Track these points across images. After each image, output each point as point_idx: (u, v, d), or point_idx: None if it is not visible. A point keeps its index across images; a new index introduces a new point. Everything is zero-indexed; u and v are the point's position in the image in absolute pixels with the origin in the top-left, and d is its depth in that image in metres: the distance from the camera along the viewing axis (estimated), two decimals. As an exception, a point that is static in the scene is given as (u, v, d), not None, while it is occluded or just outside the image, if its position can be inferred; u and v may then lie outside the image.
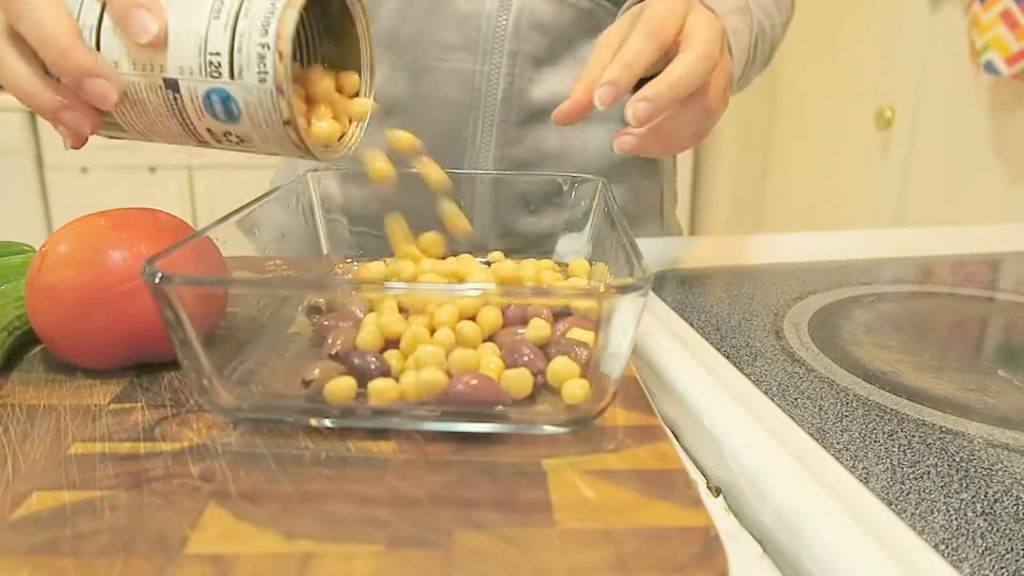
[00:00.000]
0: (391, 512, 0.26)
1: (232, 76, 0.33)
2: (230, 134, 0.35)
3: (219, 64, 0.33)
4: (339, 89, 0.38)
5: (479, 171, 0.59)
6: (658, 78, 0.38)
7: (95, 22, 0.33)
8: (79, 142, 0.36)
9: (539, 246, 0.58)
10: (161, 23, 0.32)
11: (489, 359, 0.31)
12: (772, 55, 0.63)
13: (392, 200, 0.56)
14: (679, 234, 0.73)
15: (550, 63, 0.58)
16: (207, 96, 0.34)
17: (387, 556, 0.24)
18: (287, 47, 0.33)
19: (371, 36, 0.39)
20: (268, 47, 0.33)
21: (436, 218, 0.43)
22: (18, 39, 0.33)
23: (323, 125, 0.36)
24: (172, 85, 0.34)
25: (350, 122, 0.38)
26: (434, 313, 0.33)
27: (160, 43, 0.33)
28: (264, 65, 0.33)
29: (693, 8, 0.41)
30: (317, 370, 0.31)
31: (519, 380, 0.31)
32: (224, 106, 0.34)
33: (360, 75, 0.39)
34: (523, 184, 0.58)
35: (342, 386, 0.30)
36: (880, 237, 0.68)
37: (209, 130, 0.35)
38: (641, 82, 0.39)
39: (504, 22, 0.56)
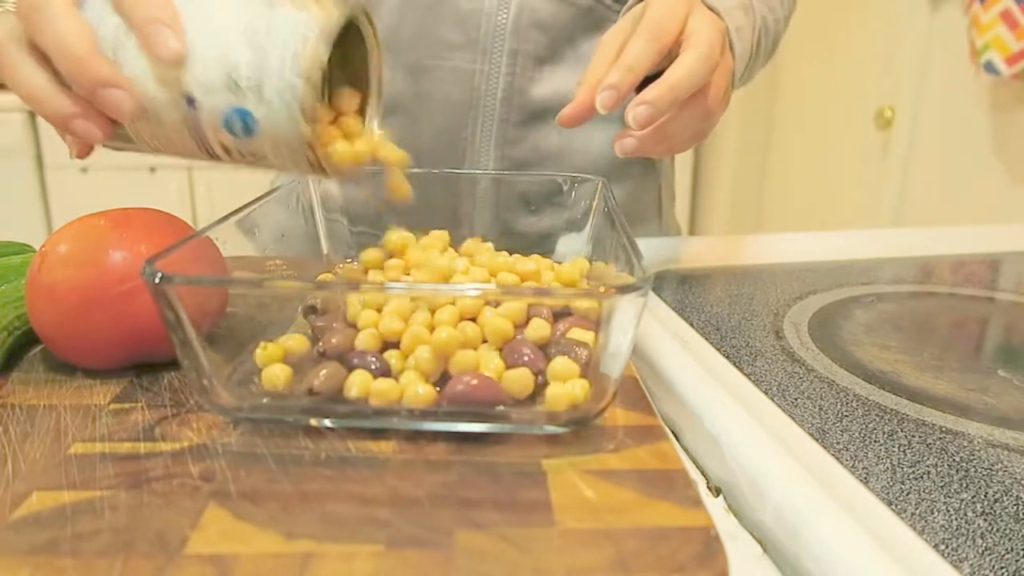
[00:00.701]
0: (391, 512, 0.26)
1: (256, 97, 0.33)
2: (245, 151, 0.35)
3: (243, 84, 0.33)
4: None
5: (479, 171, 0.59)
6: (658, 81, 0.38)
7: (114, 35, 0.33)
8: (86, 152, 0.35)
9: (539, 246, 0.58)
10: (182, 40, 0.32)
11: (490, 359, 0.31)
12: (775, 49, 0.63)
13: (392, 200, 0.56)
14: (678, 234, 0.73)
15: (551, 62, 0.58)
16: (227, 114, 0.33)
17: (387, 556, 0.24)
18: (317, 76, 0.33)
19: (381, 64, 0.39)
20: (298, 74, 0.32)
21: (438, 217, 0.44)
22: (35, 49, 0.33)
23: (343, 147, 0.35)
24: (191, 101, 0.33)
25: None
26: (434, 312, 0.33)
27: (181, 61, 0.32)
28: (293, 92, 0.33)
29: (695, 9, 0.41)
30: (324, 371, 0.31)
31: (520, 380, 0.31)
32: (244, 124, 0.33)
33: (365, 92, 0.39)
34: (523, 184, 0.58)
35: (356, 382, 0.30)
36: (880, 237, 0.68)
37: (223, 145, 0.34)
38: (646, 80, 0.39)
39: (504, 20, 0.56)
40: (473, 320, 0.33)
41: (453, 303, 0.34)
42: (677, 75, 0.38)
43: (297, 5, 0.33)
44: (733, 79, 0.46)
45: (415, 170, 0.48)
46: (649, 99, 0.38)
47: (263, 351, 0.32)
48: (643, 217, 0.68)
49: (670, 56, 0.40)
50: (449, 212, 0.52)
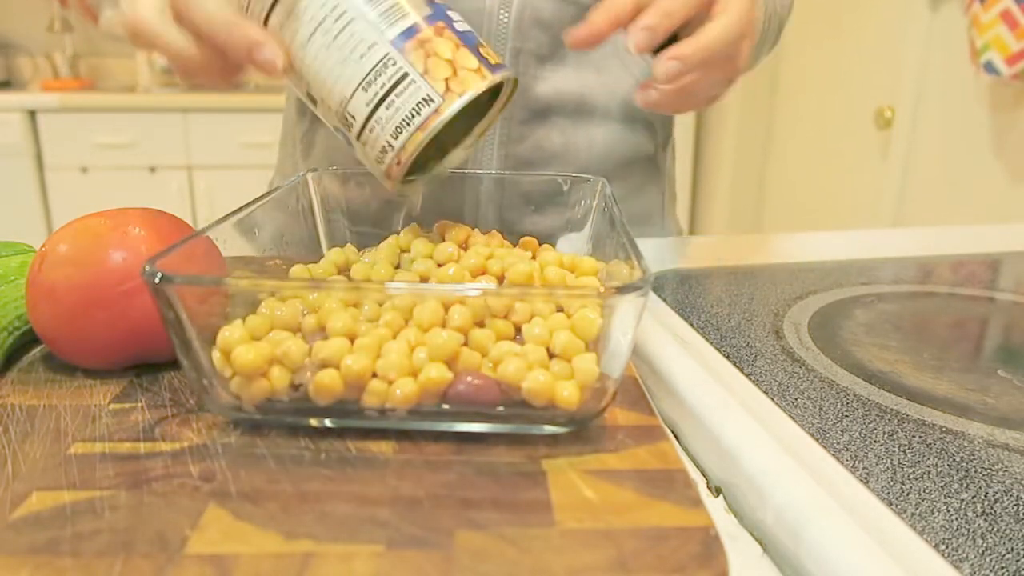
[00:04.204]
0: (391, 512, 0.26)
1: (356, 140, 0.37)
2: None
3: (350, 125, 0.37)
4: None
5: (483, 171, 0.59)
6: (692, 38, 0.39)
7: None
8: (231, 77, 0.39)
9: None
10: (284, 56, 0.36)
11: (510, 360, 0.31)
12: (779, 37, 0.63)
13: (393, 200, 0.56)
14: (679, 234, 0.73)
15: (553, 60, 0.58)
16: (335, 126, 0.38)
17: (387, 556, 0.24)
18: (408, 159, 0.37)
19: (497, 116, 0.43)
20: (392, 148, 0.37)
21: (444, 216, 0.44)
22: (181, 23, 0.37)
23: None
24: (311, 99, 0.38)
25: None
26: (446, 311, 0.33)
27: (289, 71, 0.37)
28: (383, 159, 0.37)
29: None
30: (308, 373, 0.31)
31: (543, 384, 0.30)
32: (347, 140, 0.38)
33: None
34: (527, 183, 0.58)
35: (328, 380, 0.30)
36: (880, 237, 0.68)
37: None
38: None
39: (506, 19, 0.56)
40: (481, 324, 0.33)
41: (462, 302, 0.33)
42: (711, 36, 0.39)
43: (435, 69, 0.36)
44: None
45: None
46: (682, 55, 0.38)
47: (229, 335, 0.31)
48: (646, 218, 0.68)
49: (698, 17, 0.40)
50: (454, 211, 0.52)
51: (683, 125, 2.45)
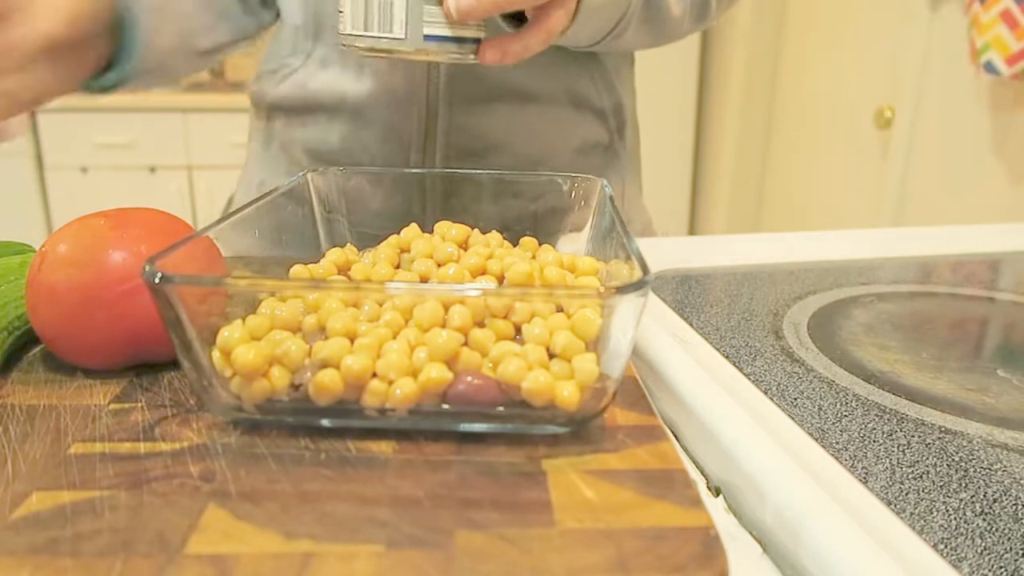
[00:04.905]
0: (391, 512, 0.26)
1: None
2: None
3: None
4: None
5: (482, 171, 0.59)
6: None
7: None
8: None
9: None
10: None
11: (511, 361, 0.31)
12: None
13: (392, 200, 0.56)
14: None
15: None
16: None
17: (387, 556, 0.24)
18: (361, 53, 0.44)
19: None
20: (353, 35, 0.43)
21: (443, 213, 0.44)
22: None
23: None
24: None
25: None
26: (447, 312, 0.33)
27: None
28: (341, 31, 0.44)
29: None
30: (308, 373, 0.31)
31: (541, 384, 0.30)
32: None
33: None
34: (524, 183, 0.58)
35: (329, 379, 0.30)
36: (880, 237, 0.68)
37: None
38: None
39: None
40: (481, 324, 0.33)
41: (462, 302, 0.33)
42: None
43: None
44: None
45: (416, 170, 0.48)
46: None
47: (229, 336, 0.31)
48: None
49: None
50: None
51: (683, 125, 2.46)
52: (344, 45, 0.44)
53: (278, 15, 0.65)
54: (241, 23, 0.63)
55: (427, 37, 0.42)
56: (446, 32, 0.42)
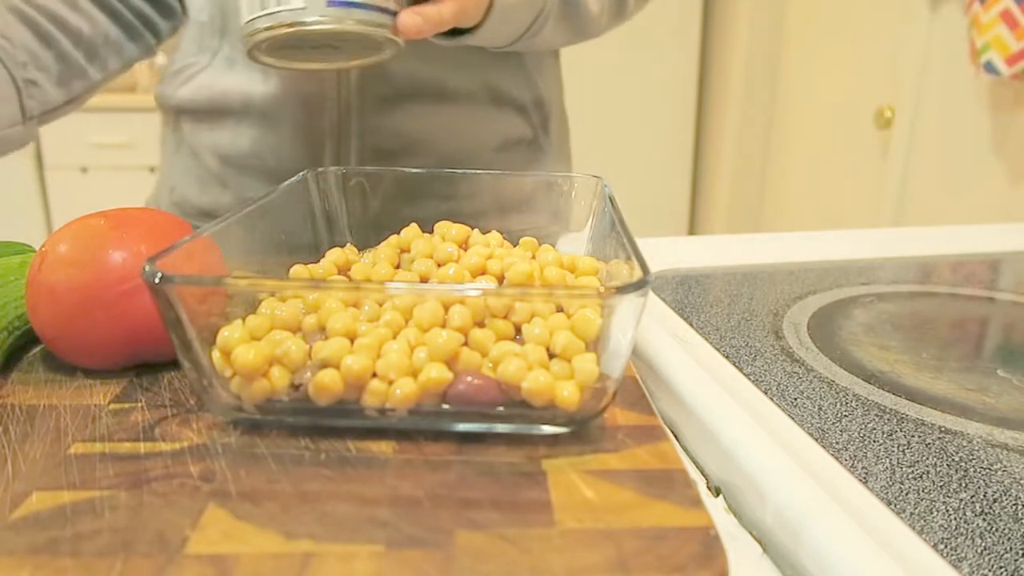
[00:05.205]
0: (391, 512, 0.26)
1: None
2: None
3: None
4: None
5: (480, 171, 0.59)
6: None
7: None
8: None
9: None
10: None
11: (510, 361, 0.31)
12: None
13: (392, 199, 0.56)
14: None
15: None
16: None
17: (387, 556, 0.24)
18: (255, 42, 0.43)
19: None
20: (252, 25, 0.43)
21: (441, 213, 0.44)
22: None
23: None
24: None
25: None
26: (446, 312, 0.33)
27: None
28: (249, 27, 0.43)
29: None
30: (308, 373, 0.31)
31: (542, 384, 0.30)
32: None
33: None
34: (523, 183, 0.58)
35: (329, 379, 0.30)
36: (880, 237, 0.68)
37: None
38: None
39: None
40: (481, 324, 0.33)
41: (462, 302, 0.33)
42: None
43: None
44: None
45: (414, 170, 0.48)
46: None
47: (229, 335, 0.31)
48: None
49: None
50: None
51: (683, 125, 2.45)
52: (248, 49, 0.41)
53: (184, 11, 0.62)
54: (124, 51, 0.62)
55: (331, 2, 0.39)
56: None
